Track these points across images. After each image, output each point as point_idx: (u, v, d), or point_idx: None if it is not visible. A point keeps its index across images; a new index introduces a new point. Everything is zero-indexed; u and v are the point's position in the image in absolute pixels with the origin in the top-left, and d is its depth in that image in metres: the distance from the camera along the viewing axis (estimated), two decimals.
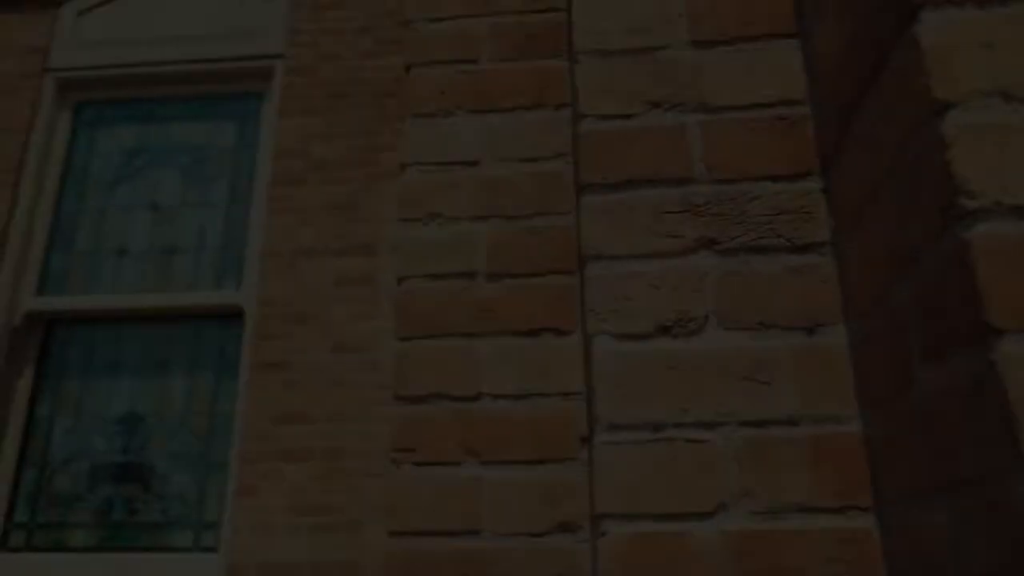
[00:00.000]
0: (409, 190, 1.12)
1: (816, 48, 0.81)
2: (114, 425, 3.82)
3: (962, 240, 0.56)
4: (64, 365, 3.96)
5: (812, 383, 0.73)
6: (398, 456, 1.00)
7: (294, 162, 4.13)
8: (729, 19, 0.87)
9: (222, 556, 3.53)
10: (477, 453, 0.98)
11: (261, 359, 3.75)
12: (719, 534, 0.70)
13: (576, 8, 0.89)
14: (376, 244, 3.97)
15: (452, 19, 1.21)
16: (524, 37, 1.19)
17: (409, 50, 1.19)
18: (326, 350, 3.83)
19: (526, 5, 1.21)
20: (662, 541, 0.71)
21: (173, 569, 3.54)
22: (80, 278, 4.08)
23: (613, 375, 0.75)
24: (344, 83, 4.27)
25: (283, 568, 3.45)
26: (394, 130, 4.17)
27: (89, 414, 3.86)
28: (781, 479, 0.71)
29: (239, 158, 4.32)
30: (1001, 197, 0.56)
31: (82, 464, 3.81)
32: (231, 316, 4.00)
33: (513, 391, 1.01)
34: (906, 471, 0.64)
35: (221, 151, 4.34)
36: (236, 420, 3.75)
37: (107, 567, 3.56)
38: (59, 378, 3.94)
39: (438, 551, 0.95)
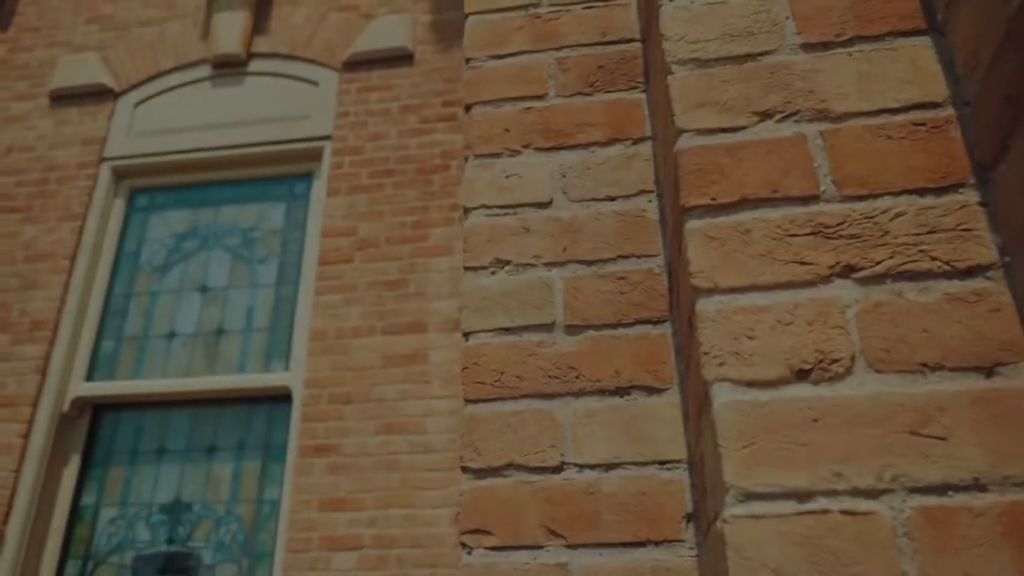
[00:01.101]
0: (473, 236, 1.00)
1: (957, 40, 0.68)
2: (159, 513, 3.70)
3: None
4: (110, 451, 3.88)
5: (999, 437, 0.58)
6: (469, 539, 0.85)
7: (341, 241, 4.10)
8: (844, 18, 0.76)
9: None
10: (562, 534, 0.83)
11: (308, 442, 3.62)
12: None
13: (664, 16, 0.79)
14: (425, 321, 3.88)
15: (515, 55, 1.12)
16: (595, 69, 1.09)
17: (468, 89, 1.10)
18: (374, 432, 3.70)
19: (595, 37, 1.11)
20: None
21: None
22: (129, 362, 4.04)
23: (740, 431, 0.60)
24: (390, 161, 4.26)
25: None
26: (440, 206, 4.13)
27: (134, 502, 3.75)
28: (970, 561, 0.55)
29: (288, 238, 4.31)
30: None
31: (127, 555, 3.68)
32: (279, 398, 3.91)
33: (602, 460, 0.86)
34: None
35: (270, 232, 4.34)
36: (282, 507, 3.60)
37: None
38: (105, 465, 3.85)
39: None
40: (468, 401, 0.91)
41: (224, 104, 4.56)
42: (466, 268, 0.98)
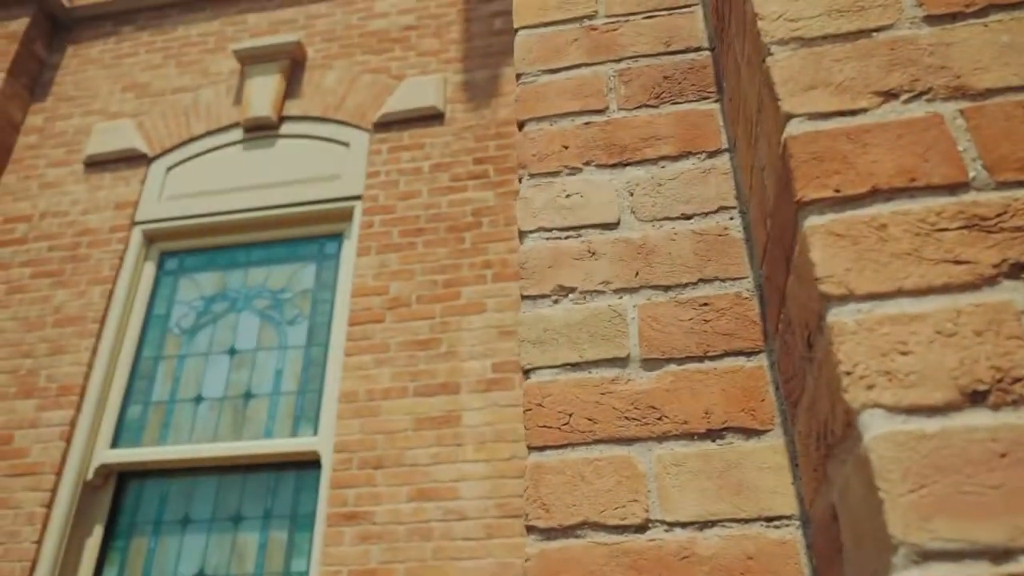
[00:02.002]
0: (532, 262, 0.89)
1: None
2: None
3: None
4: (134, 521, 3.74)
5: None
6: None
7: (372, 300, 4.01)
8: None
9: None
10: None
11: (337, 509, 3.46)
12: None
13: None
14: (457, 382, 3.74)
15: (571, 68, 1.02)
16: (660, 80, 0.99)
17: (521, 105, 1.00)
18: (406, 498, 3.53)
19: (658, 47, 1.01)
20: None
21: None
22: (155, 428, 3.94)
23: (905, 470, 0.47)
24: (421, 220, 4.20)
25: None
26: (473, 264, 4.04)
27: (158, 574, 3.59)
28: None
29: (317, 299, 4.23)
30: None
31: None
32: (307, 464, 3.76)
33: (695, 516, 0.72)
34: None
35: (300, 293, 4.27)
36: None
37: None
38: (128, 536, 3.71)
39: None
40: (532, 448, 0.78)
41: (255, 166, 4.56)
42: (524, 297, 0.87)
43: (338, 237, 4.40)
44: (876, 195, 0.58)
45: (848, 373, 0.52)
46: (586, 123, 0.98)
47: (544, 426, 0.79)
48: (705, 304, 0.83)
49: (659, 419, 0.77)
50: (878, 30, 0.65)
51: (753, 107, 0.75)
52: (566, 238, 0.90)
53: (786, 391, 0.74)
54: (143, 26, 5.32)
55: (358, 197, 4.34)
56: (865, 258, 0.55)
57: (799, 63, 0.65)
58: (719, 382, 0.79)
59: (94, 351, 4.05)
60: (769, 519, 0.72)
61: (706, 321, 0.82)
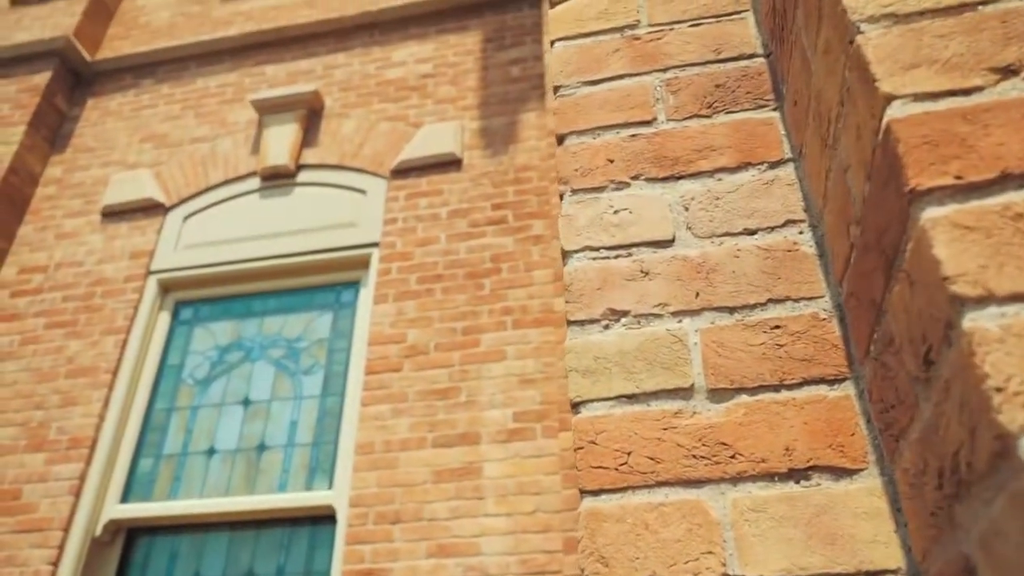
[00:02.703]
0: (578, 284, 0.80)
1: None
2: None
3: None
4: None
5: None
6: None
7: (389, 348, 3.92)
8: None
9: None
10: None
11: (353, 567, 3.32)
12: None
13: None
14: (477, 432, 3.62)
15: (613, 79, 0.95)
16: (712, 88, 0.91)
17: (560, 119, 0.93)
18: (425, 554, 3.38)
19: (707, 55, 0.94)
20: None
21: None
22: (167, 482, 3.83)
23: None
24: (440, 266, 4.13)
25: None
26: (492, 310, 3.95)
27: None
28: None
29: (334, 348, 4.14)
30: None
31: None
32: (322, 519, 3.63)
33: (781, 570, 0.62)
34: None
35: (315, 342, 4.18)
36: None
37: None
38: None
39: None
40: (586, 492, 0.68)
41: (271, 215, 4.52)
42: (571, 322, 0.77)
43: (355, 285, 4.33)
44: (1007, 181, 0.49)
45: (999, 390, 0.42)
46: (632, 135, 0.89)
47: (599, 467, 0.69)
48: (777, 327, 0.73)
49: (732, 457, 0.67)
50: (983, 3, 0.57)
51: (832, 101, 0.67)
52: (615, 257, 0.81)
53: (883, 423, 0.64)
54: (162, 78, 5.36)
55: (375, 244, 4.29)
56: (1003, 253, 0.46)
57: (896, 41, 0.57)
58: (799, 414, 0.69)
59: (106, 402, 3.96)
60: (870, 574, 0.61)
61: (779, 345, 0.72)
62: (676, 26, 0.97)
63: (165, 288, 4.43)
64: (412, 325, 3.98)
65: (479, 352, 3.84)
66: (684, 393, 0.72)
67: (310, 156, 4.70)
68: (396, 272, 4.15)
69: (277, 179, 4.66)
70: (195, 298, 4.44)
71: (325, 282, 4.35)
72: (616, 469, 0.69)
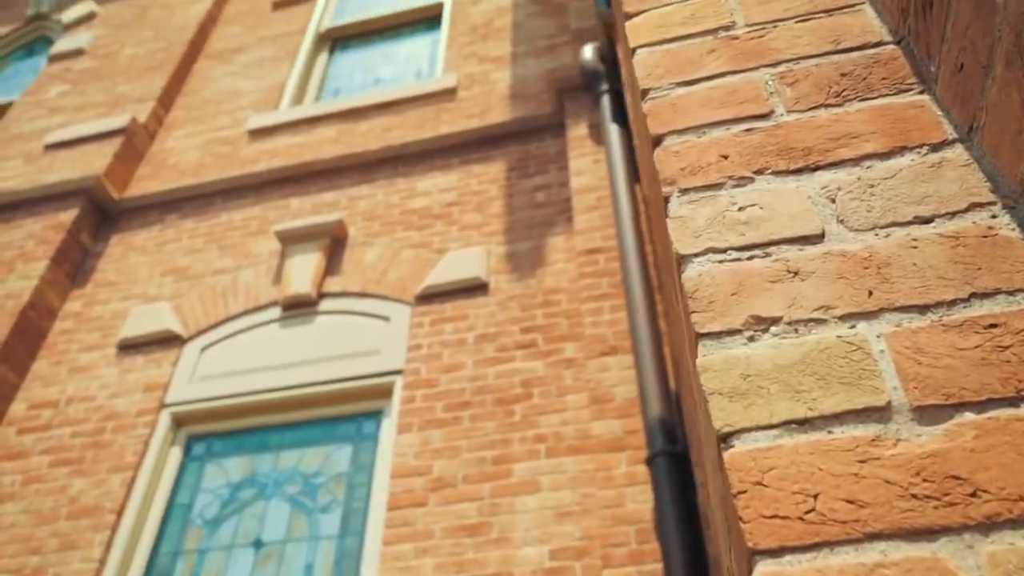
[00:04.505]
0: (704, 291, 0.62)
1: None
2: None
3: None
4: None
5: None
6: None
7: (414, 481, 3.64)
8: None
9: None
10: None
11: None
12: None
13: None
14: (511, 572, 3.28)
15: (713, 78, 0.80)
16: (838, 77, 0.76)
17: (654, 120, 0.77)
18: None
19: (824, 47, 0.80)
20: None
21: None
22: None
23: None
24: (467, 393, 3.91)
25: None
26: (524, 438, 3.69)
27: None
28: None
29: (353, 483, 3.86)
30: None
31: None
32: None
33: None
34: None
35: (334, 477, 3.91)
36: None
37: None
38: None
39: None
40: (759, 554, 0.47)
41: (291, 344, 4.37)
42: (701, 335, 0.59)
43: (377, 415, 4.11)
44: None
45: None
46: (747, 129, 0.74)
47: (774, 516, 0.48)
48: (994, 325, 0.54)
49: (972, 496, 0.46)
50: None
51: None
52: (749, 258, 0.63)
53: None
54: (187, 213, 5.39)
55: (399, 371, 4.10)
56: None
57: None
58: None
59: (108, 546, 3.66)
60: None
61: (1002, 348, 0.53)
62: (780, 23, 0.84)
63: (178, 422, 4.22)
64: (438, 456, 3.72)
65: (511, 484, 3.56)
66: (879, 414, 0.52)
67: (332, 284, 4.61)
68: (421, 400, 3.93)
69: (298, 308, 4.55)
70: (209, 432, 4.21)
71: (346, 412, 4.13)
72: (800, 519, 0.48)
